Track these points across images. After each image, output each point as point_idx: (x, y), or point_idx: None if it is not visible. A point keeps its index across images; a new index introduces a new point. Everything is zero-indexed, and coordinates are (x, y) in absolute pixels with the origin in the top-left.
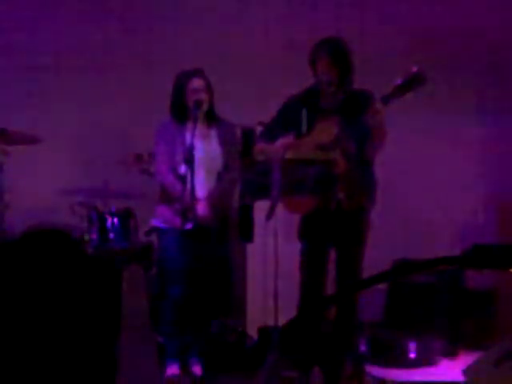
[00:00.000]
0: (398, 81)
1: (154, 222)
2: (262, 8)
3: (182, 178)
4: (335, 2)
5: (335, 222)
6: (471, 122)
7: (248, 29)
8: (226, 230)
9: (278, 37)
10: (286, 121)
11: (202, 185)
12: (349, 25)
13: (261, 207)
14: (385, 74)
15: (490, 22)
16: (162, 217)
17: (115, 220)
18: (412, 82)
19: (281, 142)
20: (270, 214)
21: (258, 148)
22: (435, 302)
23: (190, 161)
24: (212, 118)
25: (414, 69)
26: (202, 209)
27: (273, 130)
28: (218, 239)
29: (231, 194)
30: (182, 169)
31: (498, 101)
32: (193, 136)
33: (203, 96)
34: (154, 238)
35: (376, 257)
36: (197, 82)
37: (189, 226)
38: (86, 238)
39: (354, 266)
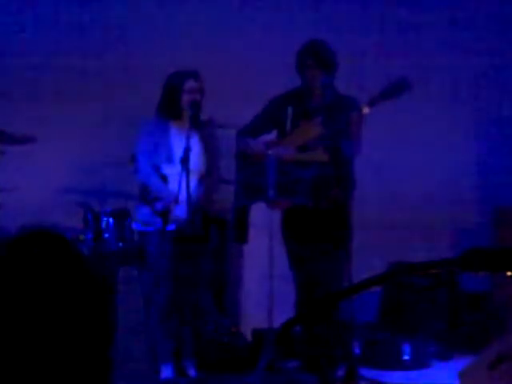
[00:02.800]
0: (384, 86)
1: (134, 226)
2: (261, 9)
3: (164, 178)
4: (334, 5)
5: (313, 221)
6: (469, 125)
7: (245, 30)
8: (208, 234)
9: (276, 37)
10: (269, 118)
11: (184, 186)
12: (347, 26)
13: (256, 208)
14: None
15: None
16: (141, 219)
17: (110, 220)
18: (397, 88)
19: (263, 140)
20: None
21: (243, 143)
22: (430, 304)
23: (184, 161)
24: (198, 120)
25: (400, 75)
26: (183, 211)
27: (255, 127)
28: (201, 242)
29: (211, 198)
30: (165, 169)
31: (496, 106)
32: (188, 137)
33: (198, 97)
34: None
35: (372, 259)
36: (193, 83)
37: (171, 227)
38: (81, 238)
39: (336, 266)
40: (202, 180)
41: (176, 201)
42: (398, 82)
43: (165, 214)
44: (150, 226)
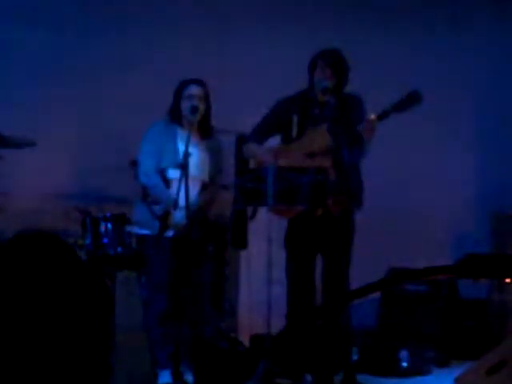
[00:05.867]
0: (395, 99)
1: (134, 230)
2: (264, 11)
3: (168, 182)
4: (335, 10)
5: (321, 228)
6: (469, 132)
7: (249, 35)
8: (204, 241)
9: (279, 43)
10: (275, 123)
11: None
12: (348, 32)
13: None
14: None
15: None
16: (139, 220)
17: (109, 225)
18: (409, 101)
19: (271, 147)
20: (253, 215)
21: (248, 150)
22: (428, 310)
23: (183, 167)
24: (206, 130)
25: (412, 88)
26: (181, 217)
27: (262, 132)
28: (198, 249)
29: (211, 207)
30: (170, 173)
31: (495, 114)
32: (188, 142)
33: (199, 103)
34: None
35: (371, 265)
36: (194, 89)
37: (170, 233)
38: (80, 243)
39: (341, 272)
40: (204, 187)
41: (175, 206)
42: (411, 94)
43: (164, 218)
44: (147, 229)
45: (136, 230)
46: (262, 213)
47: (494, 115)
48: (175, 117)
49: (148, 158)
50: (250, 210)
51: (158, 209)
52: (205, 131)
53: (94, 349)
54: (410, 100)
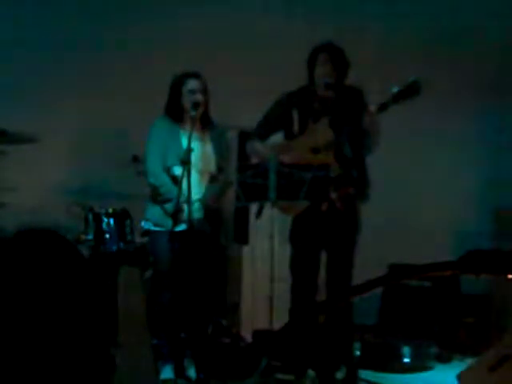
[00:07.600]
0: (395, 89)
1: (145, 225)
2: (263, 8)
3: (176, 179)
4: (335, 5)
5: (327, 223)
6: (471, 128)
7: (248, 30)
8: (218, 233)
9: (279, 37)
10: (276, 119)
11: (194, 187)
12: (348, 27)
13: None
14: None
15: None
16: (152, 218)
17: (111, 221)
18: (408, 91)
19: (273, 144)
20: (259, 214)
21: (251, 147)
22: (430, 306)
23: (186, 162)
24: (206, 121)
25: (411, 78)
26: (194, 211)
27: (264, 128)
28: (210, 242)
29: (222, 198)
30: (176, 170)
31: (496, 108)
32: (190, 137)
33: (200, 97)
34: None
35: (372, 261)
36: (194, 84)
37: (180, 227)
38: (82, 238)
39: (345, 267)
40: (212, 179)
41: (188, 202)
42: (410, 85)
43: (175, 214)
44: (160, 226)
45: (149, 225)
46: (265, 209)
47: (495, 110)
48: (176, 113)
49: (154, 157)
50: (255, 207)
51: (169, 206)
52: (206, 122)
53: (96, 345)
54: (410, 91)
